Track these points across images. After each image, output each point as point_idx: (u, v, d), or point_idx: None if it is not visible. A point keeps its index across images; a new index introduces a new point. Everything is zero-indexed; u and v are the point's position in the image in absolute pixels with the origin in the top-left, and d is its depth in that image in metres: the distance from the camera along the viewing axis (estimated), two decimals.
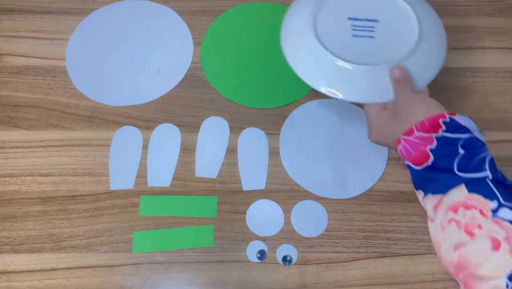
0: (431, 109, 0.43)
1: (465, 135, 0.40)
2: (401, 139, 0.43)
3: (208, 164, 0.63)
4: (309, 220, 0.59)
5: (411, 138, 0.42)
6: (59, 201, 0.60)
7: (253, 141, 0.64)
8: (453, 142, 0.39)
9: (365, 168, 0.62)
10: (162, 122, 0.65)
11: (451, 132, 0.40)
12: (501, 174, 0.39)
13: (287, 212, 0.60)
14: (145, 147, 0.64)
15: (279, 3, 0.75)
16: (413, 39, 0.53)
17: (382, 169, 0.62)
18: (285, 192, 0.61)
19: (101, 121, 0.66)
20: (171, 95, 0.68)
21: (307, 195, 0.61)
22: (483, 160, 0.39)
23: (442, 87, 0.68)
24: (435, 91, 0.67)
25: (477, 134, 0.41)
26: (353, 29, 0.54)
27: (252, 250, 0.58)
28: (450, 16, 0.74)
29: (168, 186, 0.61)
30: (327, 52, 0.52)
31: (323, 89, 0.52)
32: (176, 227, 0.59)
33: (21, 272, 0.56)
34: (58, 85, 0.68)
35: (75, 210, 0.60)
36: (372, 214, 0.60)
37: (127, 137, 0.64)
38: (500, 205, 0.36)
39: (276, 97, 0.67)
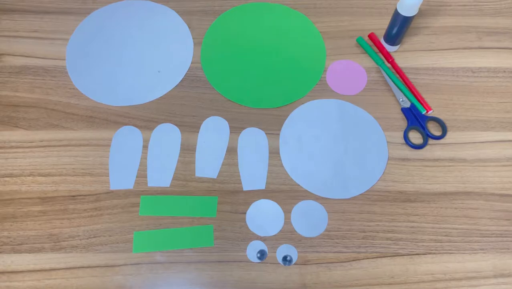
0: None
1: None
2: None
3: (208, 164, 0.63)
4: (309, 220, 0.59)
5: None
6: (59, 201, 0.60)
7: (253, 141, 0.64)
8: None
9: (365, 168, 0.62)
10: (162, 122, 0.65)
11: None
12: None
13: (287, 212, 0.60)
14: (145, 147, 0.64)
15: (279, 3, 0.75)
16: None
17: (382, 169, 0.62)
18: (285, 192, 0.61)
19: (101, 121, 0.66)
20: (171, 95, 0.68)
21: (307, 195, 0.61)
22: None
23: (442, 87, 0.68)
24: (435, 91, 0.68)
25: None
26: None
27: (252, 250, 0.58)
28: (450, 16, 0.74)
29: (168, 186, 0.61)
30: None
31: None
32: (176, 227, 0.59)
33: (21, 272, 0.56)
34: (58, 85, 0.68)
35: (75, 210, 0.60)
36: (372, 214, 0.60)
37: (127, 137, 0.64)
38: None
39: (276, 97, 0.67)
